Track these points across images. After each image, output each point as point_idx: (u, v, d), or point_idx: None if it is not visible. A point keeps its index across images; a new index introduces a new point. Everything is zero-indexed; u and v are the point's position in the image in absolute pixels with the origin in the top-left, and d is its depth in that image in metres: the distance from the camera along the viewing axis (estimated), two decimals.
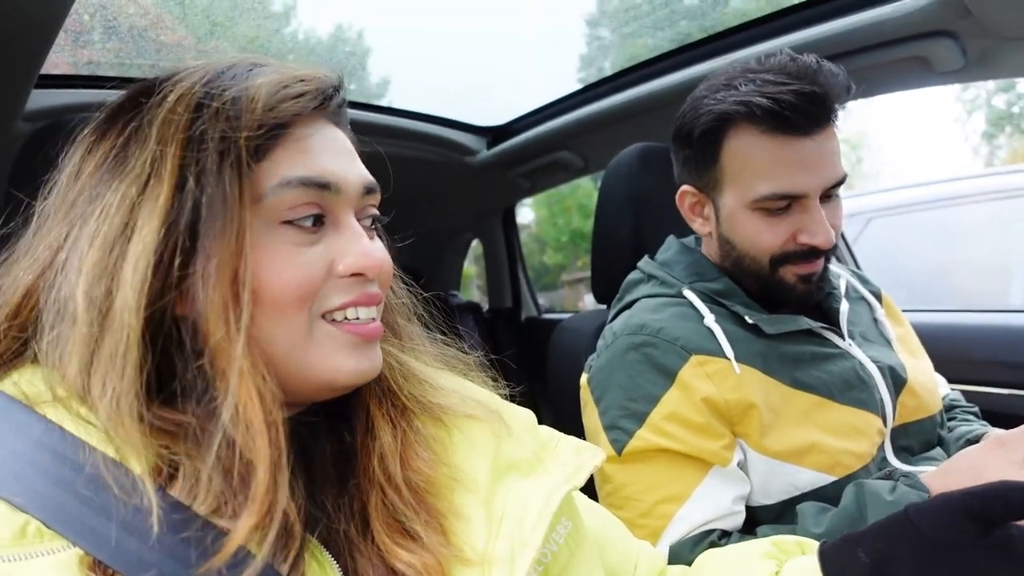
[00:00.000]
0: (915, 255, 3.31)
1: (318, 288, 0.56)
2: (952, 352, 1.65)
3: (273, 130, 0.55)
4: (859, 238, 3.33)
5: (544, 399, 2.86)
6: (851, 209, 3.35)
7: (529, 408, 0.75)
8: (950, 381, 1.40)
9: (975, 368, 1.66)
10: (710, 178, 1.07)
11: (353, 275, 0.58)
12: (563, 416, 1.38)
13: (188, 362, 0.53)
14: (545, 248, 13.58)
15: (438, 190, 2.56)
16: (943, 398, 1.30)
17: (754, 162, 1.00)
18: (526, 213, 13.55)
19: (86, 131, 0.58)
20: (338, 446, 0.62)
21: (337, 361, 0.57)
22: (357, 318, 0.58)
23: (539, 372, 2.85)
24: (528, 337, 2.95)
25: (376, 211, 0.64)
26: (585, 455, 0.67)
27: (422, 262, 3.18)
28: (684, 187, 1.13)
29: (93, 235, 0.53)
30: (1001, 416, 1.45)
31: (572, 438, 0.71)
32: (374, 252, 0.59)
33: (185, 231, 0.52)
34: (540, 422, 0.75)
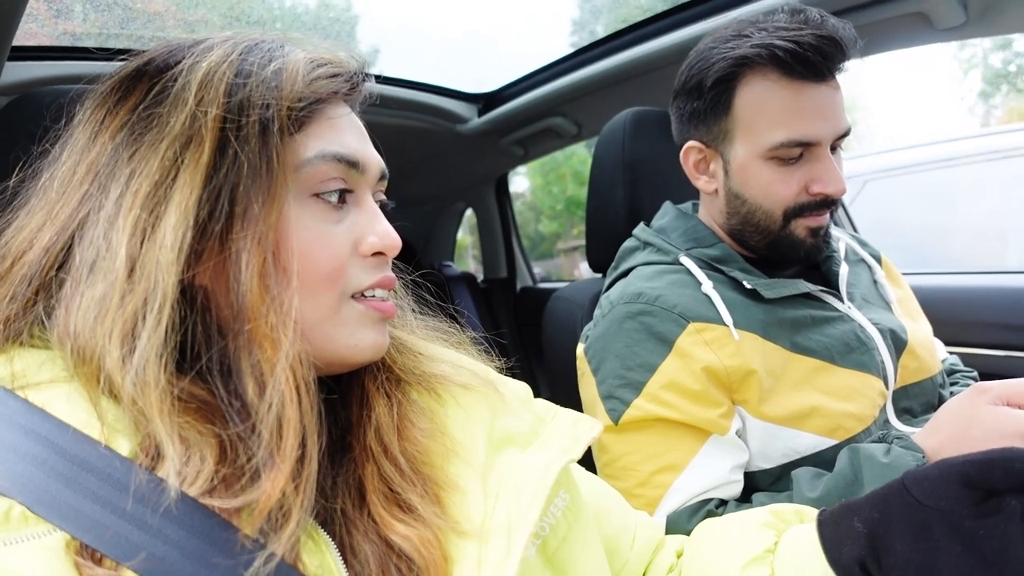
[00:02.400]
0: (912, 217, 3.29)
1: (345, 267, 0.57)
2: (950, 314, 1.64)
3: (312, 104, 0.57)
4: (856, 200, 3.32)
5: (541, 369, 2.87)
6: (847, 171, 3.29)
7: (525, 379, 0.75)
8: (948, 343, 1.39)
9: (973, 330, 1.65)
10: (720, 129, 1.04)
11: (375, 254, 0.59)
12: (559, 386, 1.37)
13: (212, 336, 0.53)
14: (540, 217, 13.54)
15: (429, 159, 2.52)
16: (942, 362, 1.29)
17: (769, 108, 0.98)
18: (520, 181, 13.50)
19: (104, 90, 0.57)
20: (332, 421, 0.61)
21: (358, 337, 0.58)
22: (374, 295, 0.60)
23: (535, 342, 2.86)
24: (524, 307, 2.94)
25: (384, 197, 0.66)
26: (582, 427, 0.66)
27: (413, 234, 3.15)
28: (690, 143, 1.10)
29: (132, 193, 0.52)
30: (1001, 377, 1.45)
31: (569, 410, 0.70)
32: (392, 232, 0.60)
33: (226, 195, 0.52)
34: (537, 393, 0.74)
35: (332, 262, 0.56)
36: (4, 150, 0.80)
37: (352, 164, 0.58)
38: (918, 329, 1.18)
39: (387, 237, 0.60)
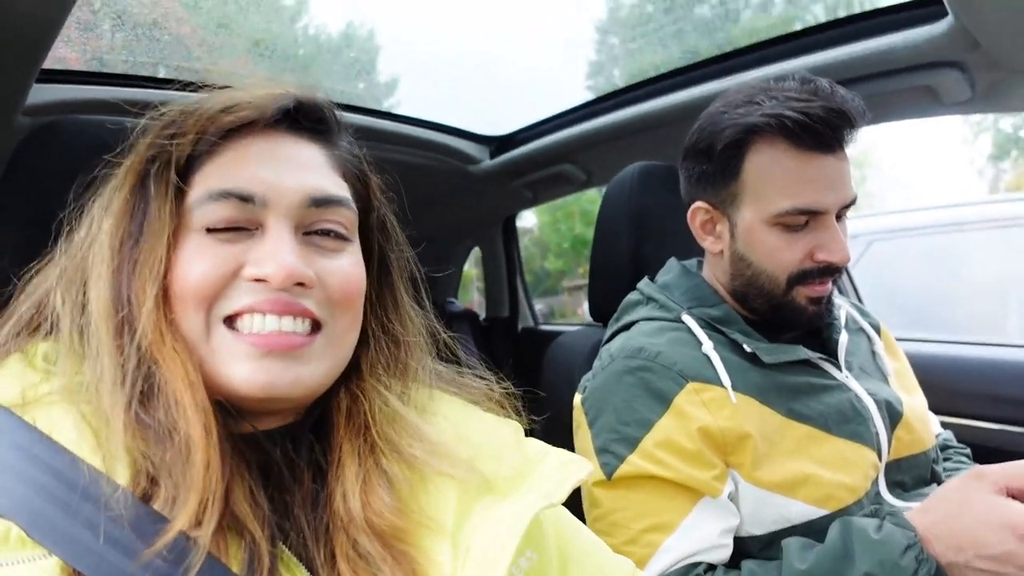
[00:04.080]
0: (915, 279, 3.30)
1: (219, 288, 0.58)
2: (946, 383, 1.64)
3: (211, 143, 0.60)
4: (861, 260, 3.33)
5: (537, 412, 2.84)
6: (853, 231, 3.32)
7: (522, 420, 0.74)
8: (942, 413, 1.39)
9: (967, 401, 1.65)
10: (728, 193, 1.06)
11: (256, 280, 0.58)
12: (555, 434, 1.36)
13: (134, 356, 0.56)
14: (547, 254, 13.56)
15: (440, 197, 2.55)
16: (936, 436, 1.29)
17: (777, 177, 1.00)
18: (529, 217, 13.54)
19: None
20: (317, 469, 0.62)
21: (231, 369, 0.57)
22: (253, 328, 0.58)
23: (534, 383, 2.83)
24: (524, 348, 2.94)
25: (340, 226, 0.64)
26: (571, 468, 0.66)
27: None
28: (697, 203, 1.12)
29: (76, 243, 0.61)
30: (992, 451, 1.45)
31: (561, 451, 0.69)
32: (284, 259, 0.57)
33: (133, 237, 0.58)
34: (530, 435, 0.74)
35: (203, 281, 0.57)
36: (28, 175, 0.83)
37: (244, 198, 0.58)
38: (914, 402, 1.19)
39: (272, 265, 0.57)
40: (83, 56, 1.70)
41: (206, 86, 0.66)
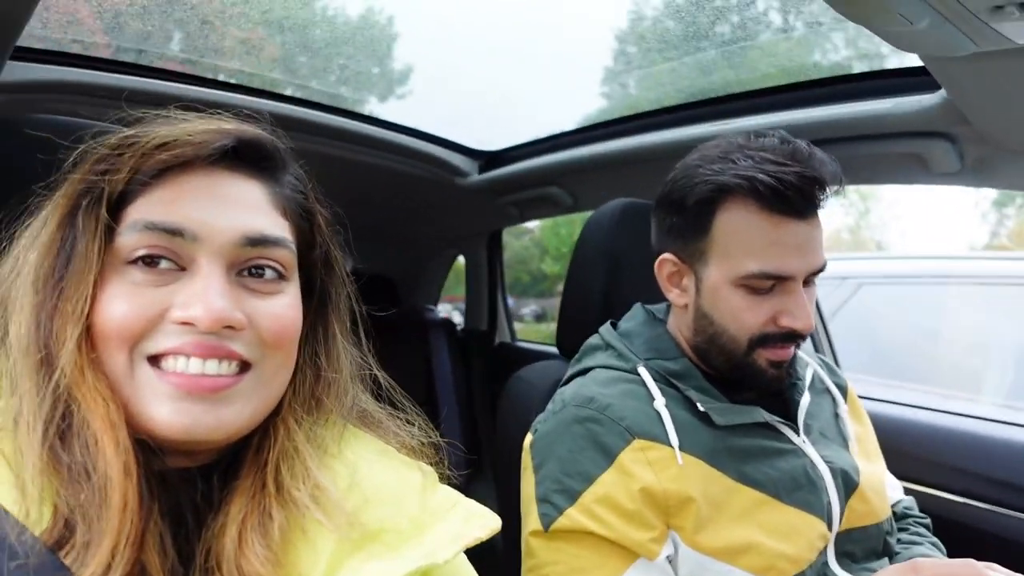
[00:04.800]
0: (899, 327, 3.31)
1: (143, 329, 0.56)
2: (912, 448, 1.62)
3: (145, 180, 0.58)
4: (849, 302, 3.34)
5: (493, 444, 2.83)
6: (844, 272, 3.39)
7: (489, 440, 0.73)
8: (905, 479, 1.37)
9: (932, 470, 1.63)
10: (696, 249, 1.04)
11: (183, 323, 0.56)
12: (505, 466, 1.34)
13: (51, 396, 0.54)
14: (545, 256, 13.59)
15: (426, 206, 2.53)
16: (896, 503, 1.27)
17: (746, 238, 0.98)
18: None
19: None
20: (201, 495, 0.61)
21: (152, 409, 0.56)
22: (177, 368, 0.56)
23: None
24: (499, 363, 2.92)
25: (276, 265, 0.62)
26: (474, 524, 0.63)
27: (400, 274, 3.14)
28: (665, 255, 1.10)
29: (2, 274, 0.60)
30: (952, 524, 1.43)
31: (471, 504, 0.67)
32: (212, 302, 0.56)
33: (58, 273, 0.57)
34: (486, 462, 0.72)
35: (125, 322, 0.55)
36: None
37: (173, 232, 0.57)
38: (872, 471, 1.16)
39: (199, 306, 0.56)
40: (99, 12, 1.64)
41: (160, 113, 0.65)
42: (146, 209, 0.58)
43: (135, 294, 0.56)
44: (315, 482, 0.62)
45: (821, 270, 1.01)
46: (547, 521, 0.97)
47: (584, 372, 1.12)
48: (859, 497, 1.10)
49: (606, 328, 1.19)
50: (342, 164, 1.88)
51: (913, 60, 1.14)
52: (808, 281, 1.02)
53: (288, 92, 1.95)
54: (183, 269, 0.58)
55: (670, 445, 0.97)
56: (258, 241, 0.61)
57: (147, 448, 0.56)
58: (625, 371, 1.08)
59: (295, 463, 0.62)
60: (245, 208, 0.61)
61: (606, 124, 1.81)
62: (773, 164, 0.96)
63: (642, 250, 1.33)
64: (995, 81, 1.04)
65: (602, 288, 1.34)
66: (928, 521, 1.29)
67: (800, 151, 0.97)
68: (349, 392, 0.71)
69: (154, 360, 0.56)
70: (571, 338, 1.37)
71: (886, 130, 1.31)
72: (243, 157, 0.63)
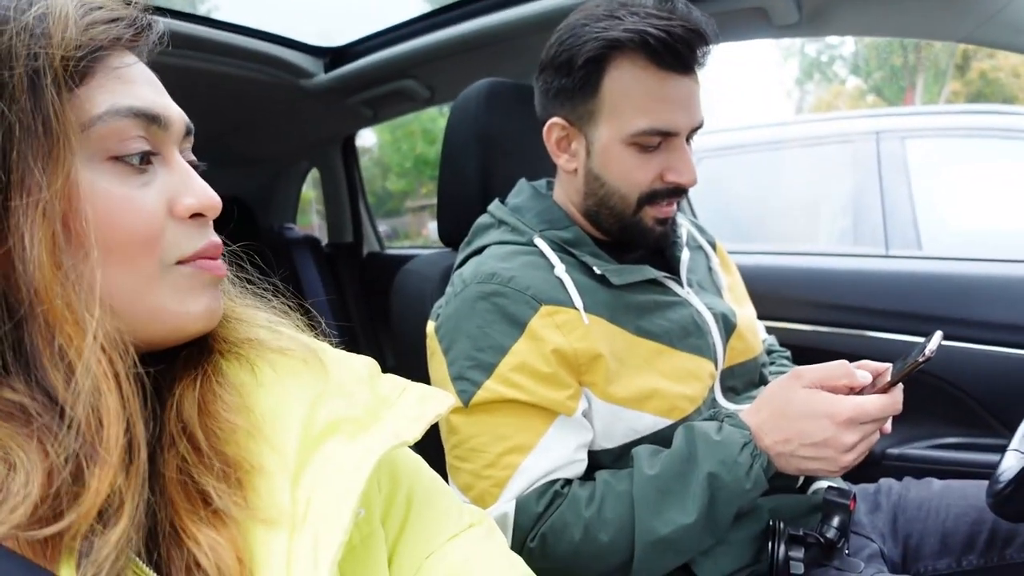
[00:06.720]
0: (740, 195, 3.55)
1: (162, 232, 0.52)
2: (769, 292, 1.78)
3: (93, 53, 0.50)
4: None
5: (388, 340, 2.80)
6: None
7: (372, 350, 0.71)
8: (766, 318, 1.51)
9: (788, 306, 1.81)
10: (585, 110, 1.04)
11: (193, 216, 0.55)
12: (407, 362, 1.34)
13: (4, 327, 0.46)
14: (388, 174, 13.22)
15: (269, 115, 2.34)
16: (763, 342, 1.40)
17: (635, 95, 0.99)
18: (368, 136, 13.07)
19: None
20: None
21: (190, 303, 0.54)
22: (208, 255, 0.57)
23: (382, 312, 2.79)
24: (371, 274, 2.85)
25: (193, 156, 0.59)
26: (430, 404, 0.63)
27: (252, 193, 2.94)
28: (553, 120, 1.09)
29: None
30: (808, 350, 1.60)
31: (421, 386, 0.66)
32: (210, 191, 0.56)
33: None
34: (383, 365, 0.69)
35: (146, 228, 0.51)
36: None
37: (152, 119, 0.52)
38: (744, 313, 1.27)
39: (204, 196, 0.55)
40: None
41: None
42: (109, 92, 0.51)
43: (133, 198, 0.51)
44: (253, 320, 0.63)
45: (700, 126, 1.05)
46: (466, 397, 0.98)
47: (479, 251, 1.12)
48: (737, 337, 1.19)
49: (495, 205, 1.18)
50: (174, 73, 1.69)
51: None
52: (688, 138, 1.05)
53: None
54: (152, 162, 0.54)
55: (575, 308, 1.00)
56: (190, 130, 0.58)
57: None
58: (521, 244, 1.09)
59: (228, 324, 0.61)
60: (164, 91, 0.57)
61: (458, 4, 1.72)
62: (658, 19, 0.96)
63: (513, 130, 1.32)
64: None
65: (478, 172, 1.32)
66: (788, 353, 1.44)
67: (679, 7, 0.98)
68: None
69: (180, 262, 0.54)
70: (454, 226, 1.35)
71: None
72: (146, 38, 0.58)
